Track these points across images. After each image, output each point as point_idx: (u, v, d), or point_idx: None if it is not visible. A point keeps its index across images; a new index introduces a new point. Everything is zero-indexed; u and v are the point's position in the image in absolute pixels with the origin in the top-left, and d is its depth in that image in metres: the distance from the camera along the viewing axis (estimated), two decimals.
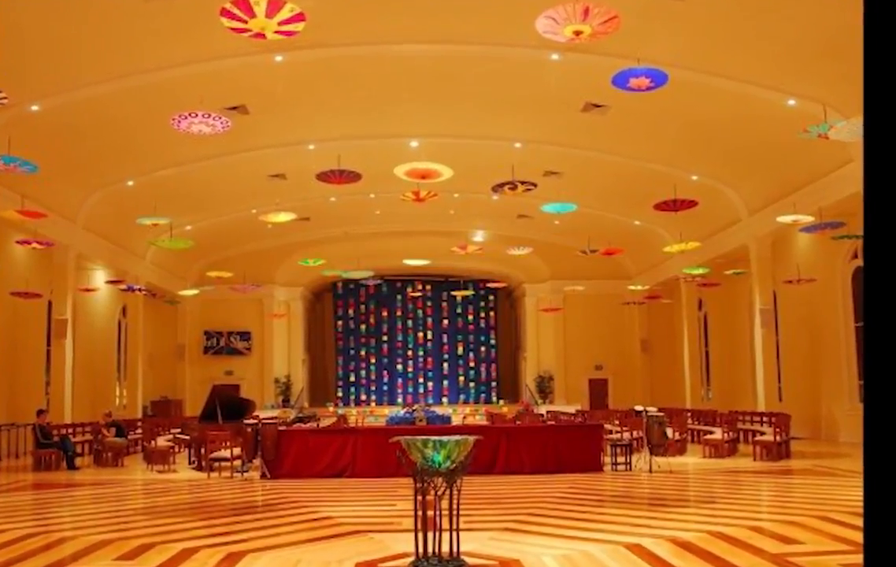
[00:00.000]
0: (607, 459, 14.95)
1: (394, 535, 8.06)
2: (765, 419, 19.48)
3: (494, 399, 35.60)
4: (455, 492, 6.29)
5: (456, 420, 25.50)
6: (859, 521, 7.65)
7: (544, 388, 32.41)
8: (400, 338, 37.14)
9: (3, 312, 19.55)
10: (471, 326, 37.27)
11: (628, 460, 14.67)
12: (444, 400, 35.92)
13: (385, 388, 36.76)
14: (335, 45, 14.51)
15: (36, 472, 16.00)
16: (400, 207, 22.06)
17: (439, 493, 6.25)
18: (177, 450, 17.70)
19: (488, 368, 37.18)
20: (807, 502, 10.20)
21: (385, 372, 36.92)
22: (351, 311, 37.17)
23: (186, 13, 13.00)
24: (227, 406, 16.45)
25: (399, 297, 37.18)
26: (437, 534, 6.33)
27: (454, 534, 6.32)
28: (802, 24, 13.16)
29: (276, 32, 9.18)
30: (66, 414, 19.93)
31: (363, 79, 16.15)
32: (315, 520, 9.32)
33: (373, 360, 36.94)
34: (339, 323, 37.24)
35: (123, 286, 23.42)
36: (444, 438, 6.29)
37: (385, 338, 37.08)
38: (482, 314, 37.36)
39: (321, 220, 27.20)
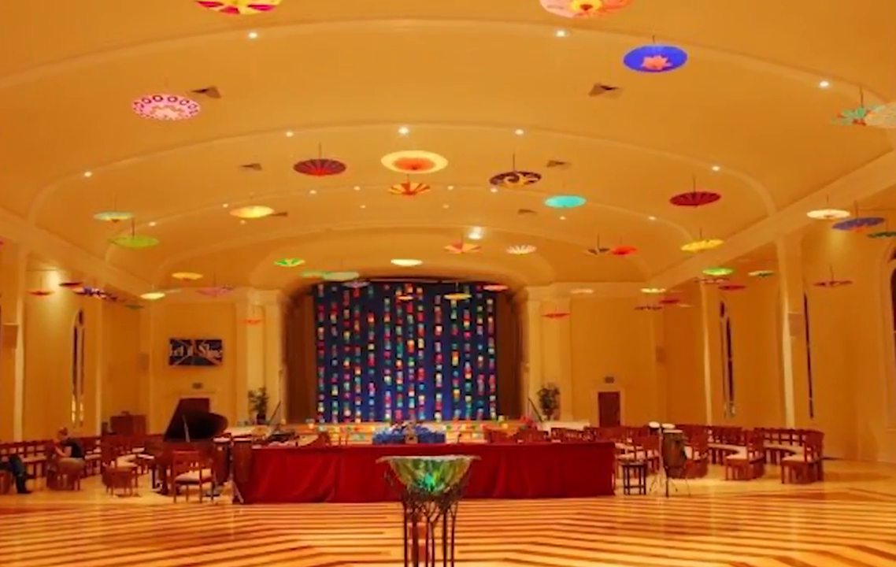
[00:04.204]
0: (619, 482, 14.96)
1: None
2: (794, 437, 19.48)
3: (493, 415, 35.58)
4: (449, 518, 6.28)
5: (450, 438, 25.51)
6: None
7: (549, 403, 32.40)
8: (388, 347, 37.08)
9: None
10: (467, 334, 37.23)
11: (642, 483, 14.68)
12: (438, 416, 35.87)
13: (371, 402, 36.69)
14: (316, 20, 14.47)
15: None
16: (388, 201, 22.02)
17: (432, 519, 6.24)
18: (139, 471, 17.65)
19: (486, 380, 37.16)
20: (841, 529, 10.22)
21: (371, 385, 36.85)
22: (333, 317, 37.09)
23: None
24: (196, 423, 16.41)
25: (387, 301, 37.12)
26: (430, 565, 6.32)
27: (448, 565, 6.31)
28: None
29: (249, 6, 9.17)
30: (15, 431, 19.82)
31: (347, 58, 16.13)
32: (294, 549, 9.31)
33: (358, 372, 36.86)
34: (321, 330, 37.17)
35: (80, 289, 23.34)
36: (438, 459, 6.28)
37: (371, 347, 37.01)
38: (480, 320, 37.32)
39: (300, 215, 27.15)
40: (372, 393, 36.79)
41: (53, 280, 24.59)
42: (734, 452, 18.32)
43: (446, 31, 15.15)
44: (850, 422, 21.43)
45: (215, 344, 32.23)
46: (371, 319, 37.10)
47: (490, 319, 37.43)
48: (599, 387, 32.64)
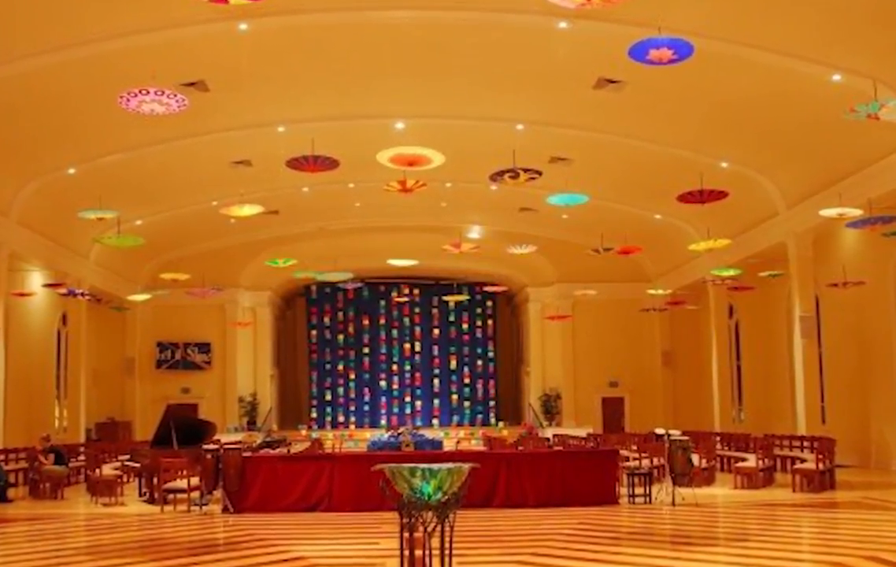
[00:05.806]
0: (623, 491, 14.96)
1: None
2: (806, 444, 19.52)
3: (493, 421, 35.56)
4: (447, 528, 6.27)
5: (448, 445, 25.48)
6: None
7: (550, 409, 32.41)
8: (384, 350, 37.05)
9: None
10: (465, 337, 37.21)
11: (648, 492, 14.69)
12: (435, 422, 35.86)
13: (366, 408, 36.65)
14: (308, 11, 14.48)
15: None
16: (383, 199, 22.03)
17: (429, 529, 6.23)
18: (125, 480, 17.65)
19: (486, 385, 37.13)
20: (854, 540, 10.23)
21: (366, 389, 36.82)
22: (327, 320, 37.06)
23: None
24: (184, 429, 16.42)
25: (383, 302, 37.09)
26: None
27: None
28: None
29: None
30: None
31: (341, 51, 16.13)
32: (286, 560, 9.30)
33: (352, 376, 36.83)
34: (314, 333, 37.13)
35: (63, 290, 23.32)
36: (435, 466, 6.28)
37: (366, 350, 36.97)
38: (479, 322, 37.29)
39: (292, 213, 27.15)
40: (367, 398, 36.73)
41: (36, 281, 24.55)
42: (743, 460, 18.34)
43: (444, 22, 15.15)
44: (863, 428, 21.43)
45: (204, 347, 32.19)
46: (366, 322, 37.05)
47: (489, 322, 37.40)
48: (603, 392, 32.63)
